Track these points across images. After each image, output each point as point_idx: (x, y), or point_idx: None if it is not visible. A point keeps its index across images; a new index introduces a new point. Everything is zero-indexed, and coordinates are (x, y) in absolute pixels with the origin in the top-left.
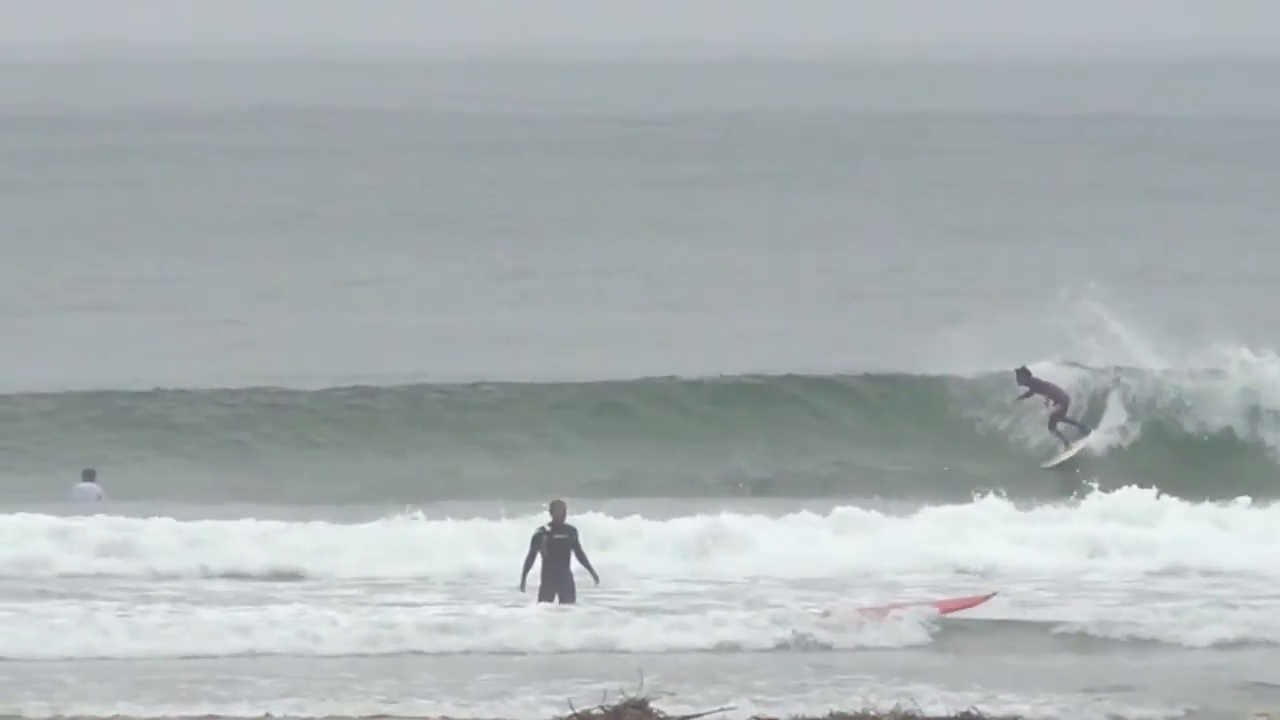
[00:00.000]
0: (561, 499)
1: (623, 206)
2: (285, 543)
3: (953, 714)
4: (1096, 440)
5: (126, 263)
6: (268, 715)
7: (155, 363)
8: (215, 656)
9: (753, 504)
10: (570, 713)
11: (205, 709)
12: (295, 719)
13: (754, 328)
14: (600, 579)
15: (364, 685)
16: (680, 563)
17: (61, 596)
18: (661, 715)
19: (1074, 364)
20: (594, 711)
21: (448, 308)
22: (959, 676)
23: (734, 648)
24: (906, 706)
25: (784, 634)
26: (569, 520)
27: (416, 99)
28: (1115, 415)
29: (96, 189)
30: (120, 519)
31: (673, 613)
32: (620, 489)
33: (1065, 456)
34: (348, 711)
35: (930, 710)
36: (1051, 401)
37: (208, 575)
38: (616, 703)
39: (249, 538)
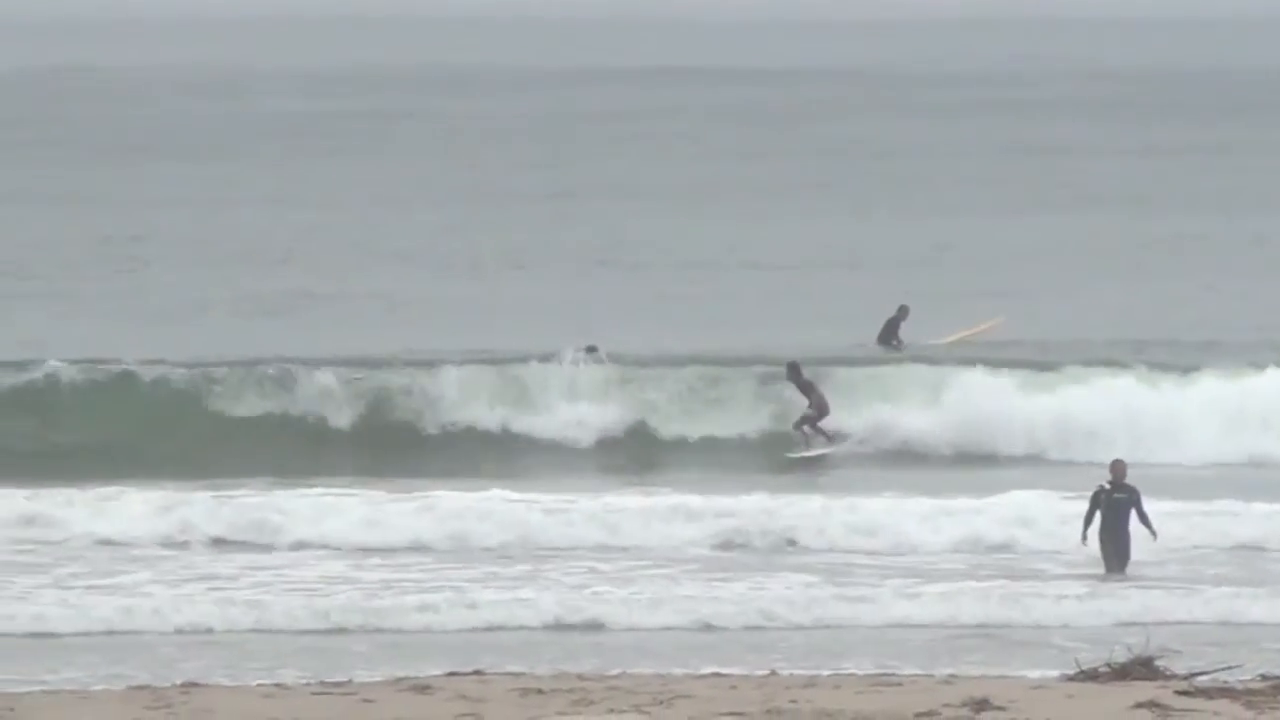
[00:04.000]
0: (1121, 458)
1: None
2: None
3: None
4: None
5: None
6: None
7: None
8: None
9: None
10: (1077, 669)
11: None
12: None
13: None
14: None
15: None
16: None
17: None
18: (1168, 672)
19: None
20: (1100, 669)
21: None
22: None
23: (1229, 619)
24: None
25: None
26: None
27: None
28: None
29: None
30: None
31: (1177, 582)
32: None
33: (809, 453)
34: (855, 670)
35: None
36: (809, 404)
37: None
38: (1123, 661)
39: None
